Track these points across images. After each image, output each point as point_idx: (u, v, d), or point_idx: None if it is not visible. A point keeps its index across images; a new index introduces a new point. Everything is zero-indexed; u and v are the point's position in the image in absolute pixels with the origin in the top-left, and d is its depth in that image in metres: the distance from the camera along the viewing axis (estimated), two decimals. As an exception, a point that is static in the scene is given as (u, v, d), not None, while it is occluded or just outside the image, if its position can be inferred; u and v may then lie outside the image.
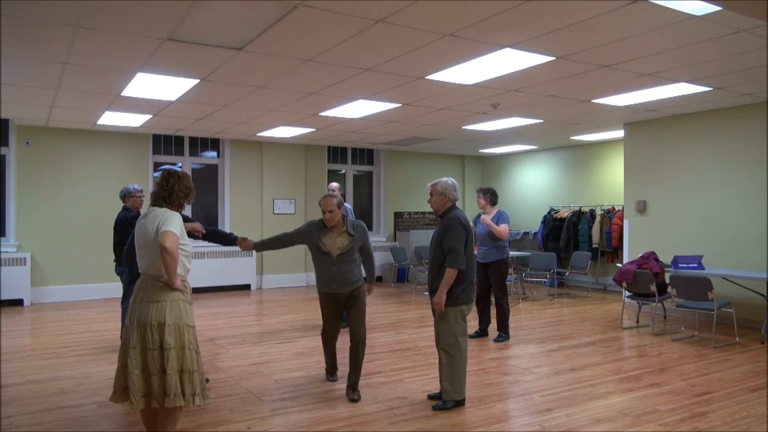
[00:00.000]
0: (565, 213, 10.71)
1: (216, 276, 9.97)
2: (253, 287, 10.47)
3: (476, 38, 4.48)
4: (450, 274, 4.01)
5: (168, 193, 3.33)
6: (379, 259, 11.40)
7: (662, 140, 8.17)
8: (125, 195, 5.88)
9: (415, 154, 12.49)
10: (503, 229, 6.23)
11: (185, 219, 4.28)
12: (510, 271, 8.47)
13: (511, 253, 9.39)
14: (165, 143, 10.01)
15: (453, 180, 4.30)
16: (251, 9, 3.88)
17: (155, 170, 9.80)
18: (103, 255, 8.07)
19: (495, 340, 6.25)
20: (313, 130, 9.10)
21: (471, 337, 6.05)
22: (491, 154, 12.87)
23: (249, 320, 7.60)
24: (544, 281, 10.36)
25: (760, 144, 7.04)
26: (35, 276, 8.73)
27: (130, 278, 5.58)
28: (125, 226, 5.54)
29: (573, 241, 10.39)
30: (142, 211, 4.08)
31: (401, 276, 11.69)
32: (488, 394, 4.48)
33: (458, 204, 4.32)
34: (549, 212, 11.09)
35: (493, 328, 6.48)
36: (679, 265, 6.78)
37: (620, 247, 9.35)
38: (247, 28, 4.27)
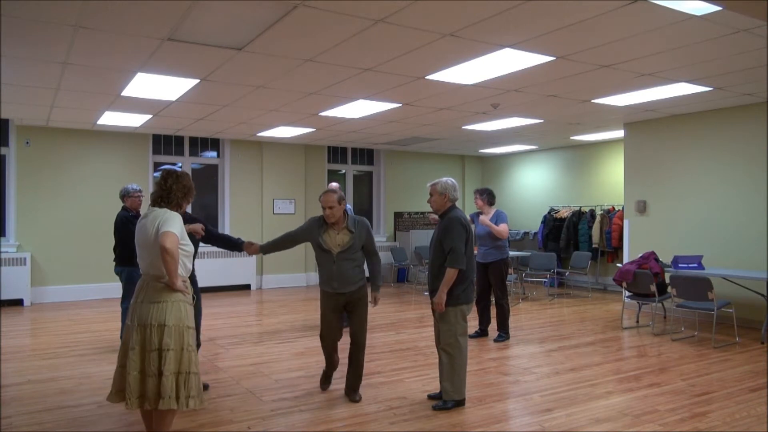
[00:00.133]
0: (565, 213, 10.71)
1: (216, 276, 9.97)
2: (253, 287, 10.47)
3: (476, 38, 4.48)
4: (450, 274, 4.00)
5: (166, 192, 3.33)
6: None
7: (662, 140, 8.17)
8: (124, 195, 5.88)
9: (415, 154, 12.49)
10: (503, 228, 6.24)
11: (190, 219, 4.29)
12: (510, 271, 8.47)
13: (511, 253, 9.39)
14: (165, 143, 10.01)
15: (453, 180, 4.30)
16: (251, 9, 3.88)
17: (155, 170, 9.80)
18: (103, 255, 8.07)
19: (495, 340, 6.26)
20: (313, 130, 9.10)
21: (471, 337, 6.05)
22: (491, 154, 12.87)
23: (249, 320, 7.61)
24: (544, 281, 10.36)
25: (760, 144, 7.04)
26: (35, 276, 8.73)
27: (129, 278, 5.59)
28: (125, 225, 5.54)
29: (573, 241, 10.39)
30: (142, 211, 4.08)
31: (401, 276, 11.69)
32: (488, 394, 4.48)
33: (458, 204, 4.32)
34: (549, 212, 11.09)
35: (493, 328, 6.48)
36: (679, 265, 6.78)
37: (620, 247, 9.35)
38: (247, 28, 4.27)
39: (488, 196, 6.46)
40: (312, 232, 4.21)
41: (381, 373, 5.04)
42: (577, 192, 11.09)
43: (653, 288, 6.54)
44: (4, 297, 8.32)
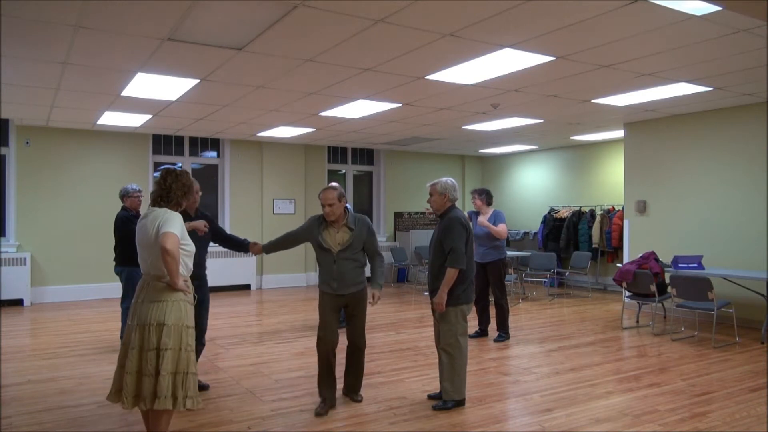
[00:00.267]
0: (565, 213, 10.71)
1: (216, 276, 9.91)
2: (253, 287, 10.47)
3: (476, 38, 4.48)
4: (451, 274, 4.00)
5: (166, 192, 3.32)
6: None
7: (662, 140, 8.16)
8: (124, 195, 5.89)
9: (415, 154, 12.49)
10: (501, 229, 6.24)
11: (202, 217, 4.28)
12: (510, 271, 8.48)
13: (512, 253, 9.42)
14: (165, 143, 10.01)
15: (453, 180, 4.29)
16: (251, 9, 3.88)
17: (155, 170, 9.80)
18: (102, 255, 8.08)
19: (495, 340, 6.26)
20: (313, 130, 9.10)
21: (471, 337, 6.05)
22: (491, 154, 12.87)
23: (249, 320, 7.61)
24: (544, 281, 10.36)
25: (760, 144, 7.04)
26: (35, 276, 8.73)
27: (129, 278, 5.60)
28: (125, 225, 5.55)
29: (573, 241, 10.39)
30: (142, 211, 4.07)
31: (401, 276, 11.69)
32: (488, 394, 4.48)
33: (458, 204, 4.31)
34: (549, 212, 11.09)
35: (492, 327, 6.48)
36: (679, 265, 6.79)
37: (620, 247, 9.35)
38: (247, 28, 4.27)
39: (486, 197, 6.47)
40: (312, 231, 4.09)
41: (381, 373, 5.04)
42: (577, 192, 11.09)
43: (653, 288, 6.54)
44: (4, 297, 8.31)
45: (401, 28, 4.23)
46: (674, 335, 6.61)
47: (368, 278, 4.15)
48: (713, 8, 3.77)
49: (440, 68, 5.38)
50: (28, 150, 8.81)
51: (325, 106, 7.15)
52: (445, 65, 5.28)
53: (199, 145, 10.36)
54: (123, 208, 5.86)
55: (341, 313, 4.17)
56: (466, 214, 4.47)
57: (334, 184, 6.91)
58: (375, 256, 4.15)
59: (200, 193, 4.35)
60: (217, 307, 8.34)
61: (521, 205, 12.24)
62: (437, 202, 4.25)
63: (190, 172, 10.04)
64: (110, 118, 8.02)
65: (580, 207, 10.62)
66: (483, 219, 6.31)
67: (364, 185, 12.36)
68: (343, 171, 11.97)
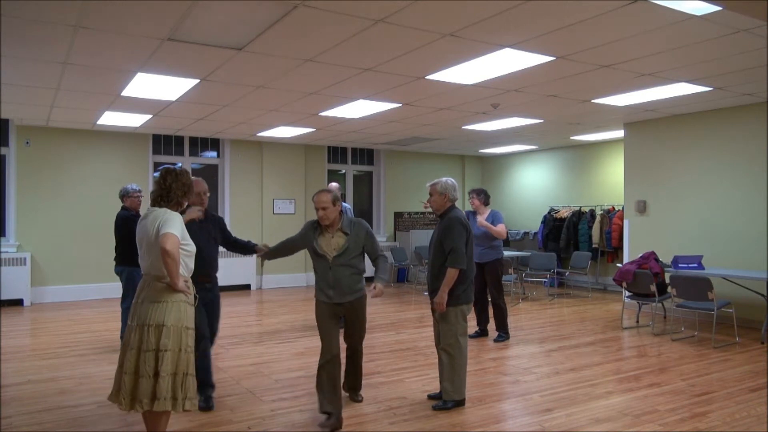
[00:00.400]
0: (565, 213, 10.71)
1: (216, 276, 9.96)
2: (253, 287, 10.47)
3: (476, 38, 4.48)
4: (452, 274, 4.00)
5: (166, 191, 3.30)
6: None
7: (662, 140, 8.16)
8: (124, 195, 5.90)
9: (415, 154, 12.49)
10: (501, 229, 6.25)
11: (211, 217, 4.27)
12: (510, 270, 8.48)
13: (512, 253, 9.42)
14: (165, 143, 10.01)
15: (453, 180, 4.29)
16: (251, 9, 3.88)
17: (155, 170, 9.80)
18: (103, 255, 8.08)
19: (495, 341, 6.26)
20: (313, 130, 9.10)
21: (471, 337, 6.05)
22: (491, 154, 12.87)
23: (249, 320, 7.61)
24: (544, 281, 10.35)
25: (760, 144, 7.04)
26: (35, 276, 8.73)
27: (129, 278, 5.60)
28: (126, 224, 5.55)
29: (573, 241, 10.39)
30: (142, 211, 4.07)
31: (401, 276, 11.69)
32: (488, 394, 4.48)
33: (458, 204, 4.31)
34: (549, 212, 11.09)
35: (492, 327, 6.48)
36: (679, 265, 6.78)
37: (620, 247, 9.35)
38: (247, 28, 4.27)
39: (485, 197, 6.48)
40: (308, 236, 3.91)
41: (381, 373, 5.04)
42: (577, 192, 11.09)
43: (653, 288, 6.54)
44: (4, 297, 8.31)
45: (401, 28, 4.23)
46: (674, 335, 6.61)
47: (370, 278, 4.12)
48: (713, 8, 3.77)
49: (440, 68, 5.38)
50: (28, 150, 8.81)
51: (325, 106, 7.15)
52: (445, 65, 5.28)
53: (199, 145, 10.36)
54: (123, 208, 5.87)
55: (341, 320, 3.99)
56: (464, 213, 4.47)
57: (333, 184, 6.97)
58: (377, 258, 3.98)
59: (209, 194, 4.28)
60: (217, 307, 8.35)
61: (521, 205, 12.24)
62: (437, 202, 4.24)
63: (190, 171, 10.04)
64: (110, 118, 8.02)
65: (580, 207, 10.62)
66: (482, 219, 6.31)
67: (364, 185, 12.36)
68: (343, 171, 11.97)
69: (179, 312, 3.18)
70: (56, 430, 3.74)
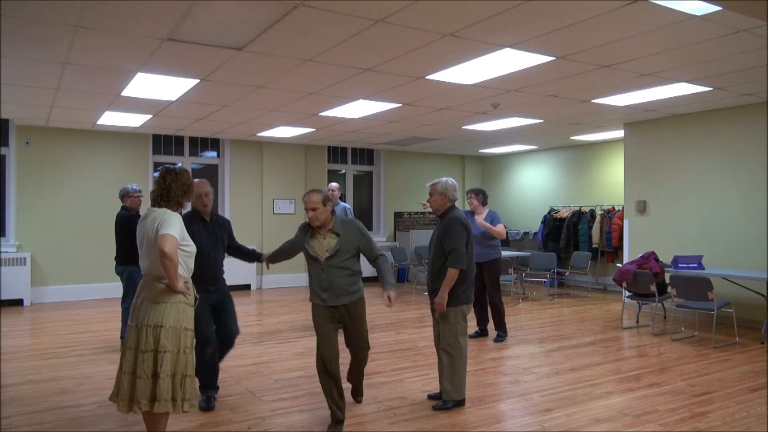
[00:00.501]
0: (565, 213, 10.71)
1: (216, 276, 9.96)
2: (253, 287, 10.47)
3: (476, 38, 4.48)
4: (452, 275, 4.00)
5: (166, 191, 3.29)
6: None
7: (662, 140, 8.17)
8: (124, 195, 5.90)
9: (415, 154, 12.49)
10: (501, 229, 6.25)
11: (218, 220, 4.23)
12: (510, 270, 8.48)
13: (512, 253, 9.42)
14: (165, 143, 10.01)
15: (453, 180, 4.29)
16: (251, 9, 3.88)
17: (155, 170, 9.80)
18: (103, 255, 8.08)
19: (495, 341, 6.26)
20: (313, 130, 9.10)
21: (471, 337, 6.05)
22: (491, 154, 12.87)
23: (249, 320, 7.60)
24: (544, 281, 10.35)
25: (760, 144, 7.04)
26: (35, 276, 8.73)
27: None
28: (126, 224, 5.56)
29: (573, 241, 10.39)
30: (142, 211, 4.06)
31: (401, 276, 11.69)
32: (488, 394, 4.48)
33: (458, 204, 4.31)
34: (549, 212, 11.09)
35: (492, 328, 6.47)
36: (679, 265, 6.79)
37: (620, 247, 9.35)
38: (247, 28, 4.27)
39: (483, 197, 6.48)
40: (300, 238, 3.82)
41: (381, 373, 5.04)
42: (577, 192, 11.09)
43: (653, 288, 6.54)
44: (4, 297, 8.31)
45: (401, 28, 4.23)
46: (674, 335, 6.61)
47: (368, 279, 4.10)
48: (713, 8, 3.77)
49: (440, 68, 5.38)
50: (28, 150, 8.81)
51: (325, 106, 7.15)
52: (445, 65, 5.28)
53: (199, 145, 10.36)
54: (123, 208, 5.87)
55: (339, 323, 3.83)
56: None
57: (333, 184, 6.96)
58: (377, 259, 3.82)
59: (212, 196, 4.18)
60: (217, 307, 8.36)
61: (521, 205, 12.24)
62: (437, 202, 4.24)
63: (190, 171, 10.04)
64: (110, 118, 8.02)
65: (580, 207, 10.62)
66: (480, 219, 6.31)
67: (364, 185, 12.36)
68: (343, 171, 11.97)
69: (178, 313, 3.17)
70: (56, 430, 3.74)
